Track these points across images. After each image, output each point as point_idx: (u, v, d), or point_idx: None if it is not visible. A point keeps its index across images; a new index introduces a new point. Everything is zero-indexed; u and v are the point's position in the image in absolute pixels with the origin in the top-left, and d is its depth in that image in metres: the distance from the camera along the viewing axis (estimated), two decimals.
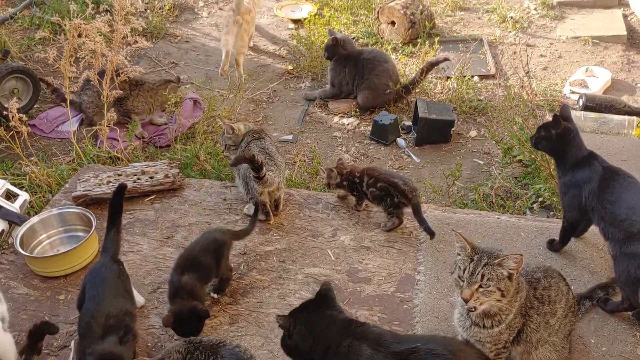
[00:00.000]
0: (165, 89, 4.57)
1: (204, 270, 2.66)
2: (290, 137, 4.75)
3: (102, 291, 2.35)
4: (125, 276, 2.53)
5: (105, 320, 2.25)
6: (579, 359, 2.46)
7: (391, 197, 3.15)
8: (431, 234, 3.09)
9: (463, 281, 2.07)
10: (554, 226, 3.15)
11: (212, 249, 2.73)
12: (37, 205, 3.63)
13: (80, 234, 3.15)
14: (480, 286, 2.04)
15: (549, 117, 4.18)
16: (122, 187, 2.65)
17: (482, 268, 2.04)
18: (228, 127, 3.42)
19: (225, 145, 3.48)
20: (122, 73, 4.05)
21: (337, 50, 5.03)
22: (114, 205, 2.63)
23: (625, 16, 6.34)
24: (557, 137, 2.81)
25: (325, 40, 5.22)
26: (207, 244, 2.74)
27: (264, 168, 3.06)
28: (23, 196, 3.41)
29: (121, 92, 4.12)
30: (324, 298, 2.21)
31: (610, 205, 2.65)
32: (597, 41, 5.92)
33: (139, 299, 2.77)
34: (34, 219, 3.12)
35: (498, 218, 3.31)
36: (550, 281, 2.28)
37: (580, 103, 4.78)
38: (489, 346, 2.19)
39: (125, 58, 4.12)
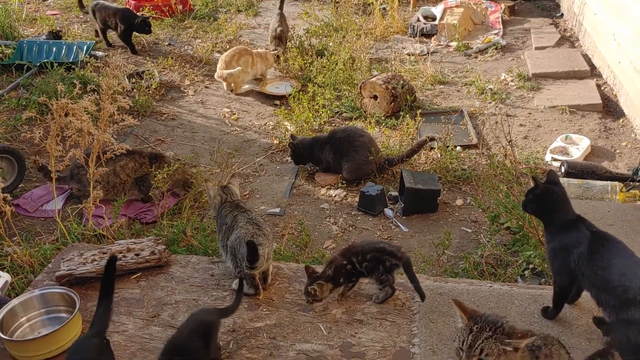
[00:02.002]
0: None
1: (193, 356, 2.55)
2: (277, 210, 4.74)
3: None
4: (109, 351, 2.43)
5: None
6: None
7: (382, 263, 3.08)
8: (422, 296, 3.05)
9: (462, 352, 2.01)
10: (547, 293, 3.11)
11: (200, 332, 2.63)
12: (18, 286, 3.53)
13: (64, 315, 3.04)
14: (479, 359, 1.99)
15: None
16: (112, 260, 2.60)
17: (482, 342, 1.99)
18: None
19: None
20: (108, 151, 4.06)
21: (300, 150, 5.22)
22: (105, 279, 2.58)
23: (598, 86, 6.55)
24: (539, 198, 2.84)
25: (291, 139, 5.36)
26: (195, 327, 2.65)
27: (259, 257, 3.05)
28: (4, 277, 3.32)
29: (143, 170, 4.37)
30: None
31: (602, 271, 2.63)
32: (574, 110, 6.09)
33: None
34: (14, 301, 3.02)
35: (490, 286, 3.27)
36: (551, 348, 2.24)
37: (562, 170, 4.86)
38: None
39: (112, 136, 4.15)
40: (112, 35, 7.97)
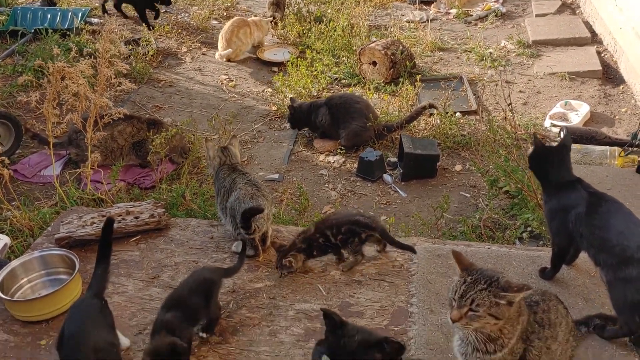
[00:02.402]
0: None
1: (193, 310, 2.57)
2: (276, 176, 4.73)
3: (83, 327, 2.26)
4: (108, 312, 2.45)
5: (94, 355, 2.17)
6: None
7: (358, 235, 3.08)
8: (411, 249, 3.12)
9: (454, 302, 2.02)
10: (545, 254, 3.12)
11: (201, 289, 2.65)
12: (18, 249, 3.54)
13: (63, 277, 3.05)
14: (470, 309, 1.97)
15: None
16: (110, 221, 2.60)
17: (474, 293, 1.97)
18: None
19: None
20: (106, 115, 4.03)
21: (299, 114, 5.20)
22: (103, 241, 2.59)
23: (599, 53, 6.51)
24: (538, 157, 2.85)
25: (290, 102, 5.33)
26: (196, 284, 2.67)
27: (253, 224, 3.06)
28: (3, 240, 3.33)
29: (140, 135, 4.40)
30: None
31: (599, 230, 2.63)
32: (574, 77, 6.05)
33: (124, 340, 2.67)
34: (14, 263, 3.03)
35: (489, 248, 3.29)
36: (549, 304, 2.24)
37: (562, 135, 4.84)
38: None
39: (110, 100, 4.12)
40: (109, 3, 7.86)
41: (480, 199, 4.30)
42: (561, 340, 2.23)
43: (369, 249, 3.25)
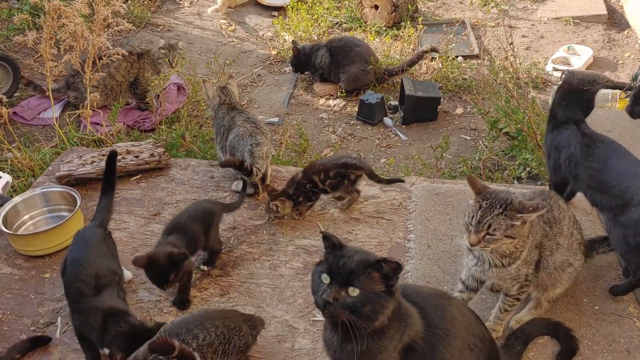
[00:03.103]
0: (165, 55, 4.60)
1: (192, 237, 2.61)
2: (275, 119, 4.72)
3: (86, 254, 2.30)
4: (112, 242, 2.49)
5: (95, 281, 2.22)
6: (572, 318, 2.46)
7: (347, 177, 3.08)
8: (399, 180, 3.22)
9: (471, 227, 2.07)
10: None
11: (201, 218, 2.69)
12: (19, 189, 3.56)
13: (65, 213, 3.08)
14: (487, 233, 2.04)
15: (533, 94, 4.21)
16: (113, 154, 2.61)
17: (490, 218, 2.03)
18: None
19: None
20: (104, 56, 3.99)
21: (302, 56, 5.15)
22: (107, 174, 2.61)
23: None
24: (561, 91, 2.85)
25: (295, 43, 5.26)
26: (196, 213, 2.71)
27: (254, 169, 3.06)
28: (5, 178, 3.35)
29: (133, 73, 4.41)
30: None
31: (597, 173, 2.59)
32: (578, 21, 5.96)
33: (127, 273, 2.72)
34: (17, 199, 3.06)
35: None
36: (550, 202, 2.31)
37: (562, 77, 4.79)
38: (510, 281, 2.23)
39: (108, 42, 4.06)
40: None
41: (480, 141, 4.30)
42: (566, 234, 2.32)
43: (368, 189, 3.28)
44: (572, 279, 2.44)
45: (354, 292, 1.60)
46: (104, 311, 2.17)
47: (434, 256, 2.81)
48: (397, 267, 1.60)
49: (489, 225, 2.02)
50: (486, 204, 2.05)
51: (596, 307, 2.52)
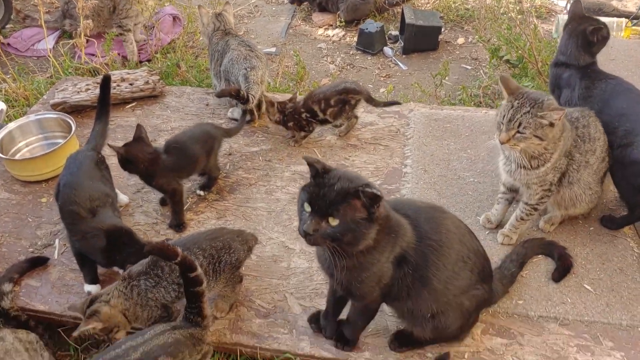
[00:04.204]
0: None
1: (190, 158, 2.60)
2: (273, 49, 4.63)
3: (78, 176, 2.29)
4: (105, 166, 2.47)
5: (90, 203, 2.22)
6: (566, 238, 2.46)
7: (348, 103, 3.03)
8: (396, 103, 3.20)
9: (502, 125, 2.09)
10: None
11: (202, 140, 2.67)
12: (15, 118, 3.53)
13: (60, 140, 3.06)
14: (517, 132, 2.07)
15: (537, 24, 4.10)
16: (107, 78, 2.56)
17: (520, 116, 2.05)
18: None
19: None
20: None
21: None
22: (101, 98, 2.58)
23: None
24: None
25: None
26: (198, 134, 2.68)
27: (249, 97, 3.01)
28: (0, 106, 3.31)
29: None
30: None
31: (599, 114, 2.46)
32: None
33: (123, 197, 2.73)
34: (12, 125, 3.04)
35: (486, 113, 3.26)
36: (589, 120, 2.32)
37: (568, 8, 4.67)
38: (534, 187, 2.26)
39: None
40: None
41: (481, 70, 4.23)
42: (598, 156, 2.33)
43: (367, 116, 3.24)
44: (591, 204, 2.45)
45: (333, 221, 1.57)
46: (106, 232, 2.18)
47: (431, 180, 2.80)
48: (376, 197, 1.56)
49: (520, 124, 2.05)
50: (518, 103, 2.07)
51: (591, 228, 2.53)
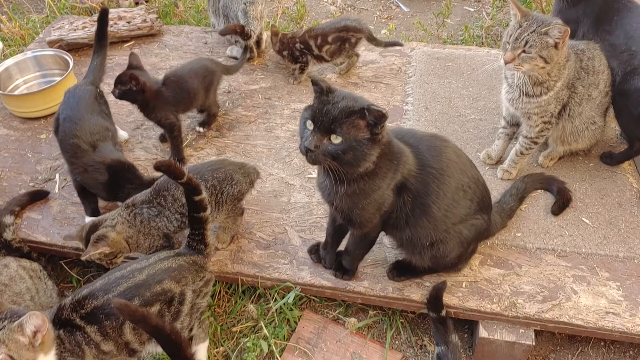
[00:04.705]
0: None
1: (189, 92, 2.58)
2: None
3: (78, 110, 2.27)
4: (104, 101, 2.45)
5: (91, 137, 2.21)
6: (566, 174, 2.47)
7: (348, 41, 2.99)
8: (398, 44, 3.16)
9: (508, 45, 2.08)
10: None
11: (201, 75, 2.65)
12: (11, 56, 3.48)
13: (58, 78, 3.02)
14: (523, 51, 2.05)
15: None
16: (104, 12, 2.51)
17: (527, 35, 2.04)
18: None
19: None
20: None
21: None
22: (99, 33, 2.54)
23: None
24: None
25: None
26: (197, 69, 2.65)
27: (251, 33, 2.96)
28: None
29: None
30: None
31: (609, 35, 2.41)
32: None
33: (123, 133, 2.72)
34: (8, 62, 3.00)
35: (488, 52, 3.22)
36: (594, 52, 2.30)
37: None
38: (535, 118, 2.25)
39: None
40: None
41: (483, 12, 4.15)
42: (601, 90, 2.31)
43: (367, 54, 3.20)
44: (593, 140, 2.44)
45: (336, 139, 1.57)
46: (108, 166, 2.18)
47: (432, 117, 2.78)
48: (382, 116, 1.56)
49: (526, 42, 2.04)
50: (526, 23, 2.06)
51: (590, 165, 2.53)
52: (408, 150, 1.77)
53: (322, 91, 1.62)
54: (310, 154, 1.58)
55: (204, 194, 1.81)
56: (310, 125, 1.60)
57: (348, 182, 1.67)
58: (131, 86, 2.39)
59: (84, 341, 1.64)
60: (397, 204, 1.79)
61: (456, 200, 1.83)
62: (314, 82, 1.65)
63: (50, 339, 1.54)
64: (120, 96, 2.43)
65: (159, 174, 1.88)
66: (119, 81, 2.40)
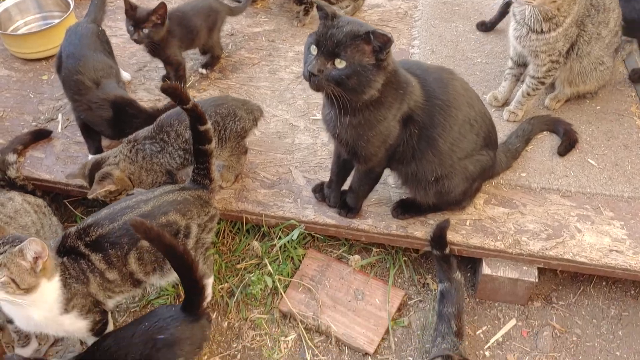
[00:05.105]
0: None
1: (191, 30, 2.54)
2: None
3: (80, 48, 2.24)
4: (106, 40, 2.41)
5: (94, 73, 2.19)
6: (573, 116, 2.44)
7: None
8: None
9: None
10: None
11: (204, 14, 2.61)
12: None
13: (58, 20, 2.97)
14: None
15: None
16: None
17: None
18: None
19: None
20: None
21: None
22: None
23: None
24: None
25: None
26: (200, 8, 2.61)
27: None
28: None
29: None
30: None
31: None
32: None
33: (125, 75, 2.69)
34: (8, 2, 2.95)
35: None
36: None
37: None
38: (542, 57, 2.20)
39: None
40: None
41: None
42: (611, 29, 2.27)
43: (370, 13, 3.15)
44: (601, 81, 2.41)
45: (340, 64, 1.55)
46: (113, 103, 2.16)
47: (438, 61, 2.74)
48: (387, 41, 1.53)
49: None
50: None
51: (597, 107, 2.50)
52: (415, 80, 1.75)
53: (327, 16, 1.60)
54: (314, 79, 1.56)
55: (209, 124, 1.80)
56: (314, 50, 1.58)
57: (353, 112, 1.65)
58: (156, 18, 2.34)
59: (88, 269, 1.66)
60: (403, 136, 1.78)
61: (462, 134, 1.82)
62: (319, 7, 1.62)
63: (52, 265, 1.55)
64: (148, 36, 2.38)
65: (162, 105, 1.87)
66: (140, 21, 2.34)
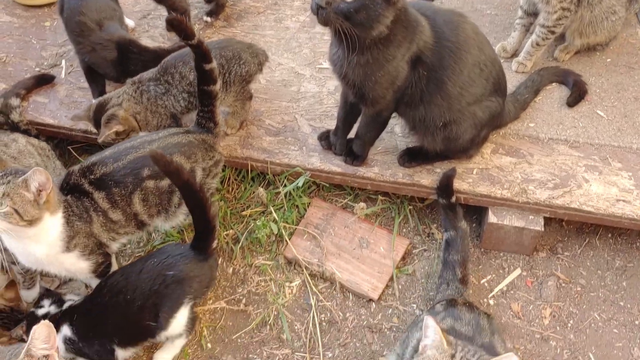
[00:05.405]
0: None
1: None
2: None
3: None
4: None
5: (97, 15, 2.15)
6: (582, 69, 2.39)
7: None
8: None
9: None
10: None
11: None
12: None
13: None
14: None
15: None
16: None
17: None
18: None
19: None
20: None
21: None
22: None
23: None
24: None
25: None
26: None
27: None
28: None
29: None
30: None
31: None
32: None
33: (129, 22, 2.64)
34: None
35: None
36: None
37: None
38: (554, 2, 2.16)
39: None
40: None
41: None
42: None
43: None
44: (612, 32, 2.36)
45: None
46: (117, 43, 2.13)
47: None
48: None
49: None
50: None
51: (608, 60, 2.46)
52: (425, 21, 1.71)
53: None
54: (322, 12, 1.53)
55: (215, 63, 1.77)
56: None
57: (361, 50, 1.62)
58: None
59: (91, 207, 1.65)
60: (412, 78, 1.75)
61: (472, 78, 1.79)
62: None
63: (55, 199, 1.54)
64: None
65: (167, 45, 1.84)
66: None
